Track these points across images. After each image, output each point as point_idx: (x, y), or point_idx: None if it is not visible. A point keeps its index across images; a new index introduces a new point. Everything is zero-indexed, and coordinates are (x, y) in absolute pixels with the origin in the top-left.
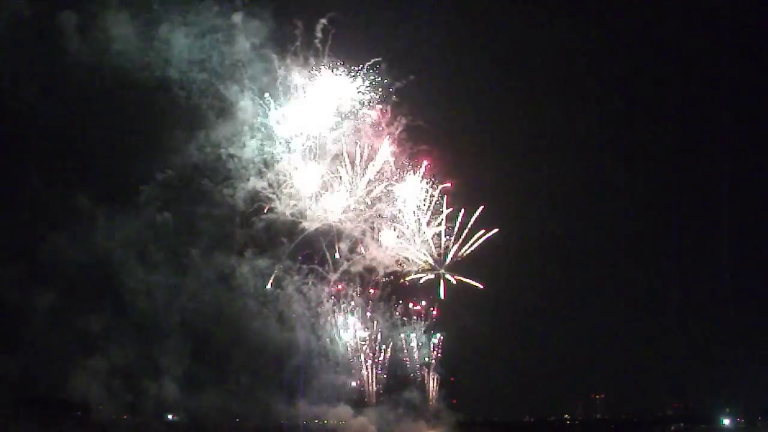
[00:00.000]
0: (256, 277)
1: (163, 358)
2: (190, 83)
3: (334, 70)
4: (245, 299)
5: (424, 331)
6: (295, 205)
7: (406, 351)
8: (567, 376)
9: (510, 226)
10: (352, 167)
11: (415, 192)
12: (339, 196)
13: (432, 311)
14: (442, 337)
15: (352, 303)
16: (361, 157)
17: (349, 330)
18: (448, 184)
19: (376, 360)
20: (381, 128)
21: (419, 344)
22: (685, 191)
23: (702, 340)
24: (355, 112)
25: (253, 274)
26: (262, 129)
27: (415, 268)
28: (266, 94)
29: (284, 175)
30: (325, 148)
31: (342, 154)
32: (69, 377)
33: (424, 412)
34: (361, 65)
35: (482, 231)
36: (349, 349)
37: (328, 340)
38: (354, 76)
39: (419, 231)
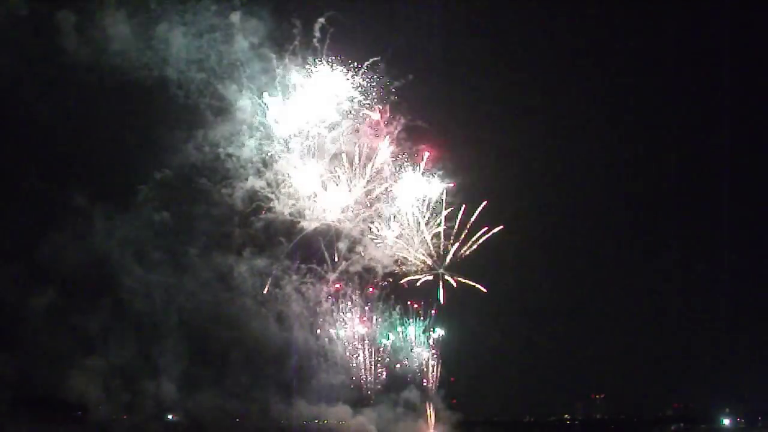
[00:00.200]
0: (254, 277)
1: (161, 358)
2: (188, 82)
3: (333, 69)
4: (244, 299)
5: (423, 331)
6: (293, 204)
7: (404, 350)
8: (567, 376)
9: (510, 225)
10: (351, 167)
11: (414, 191)
12: (338, 196)
13: (431, 312)
14: (441, 333)
15: (351, 303)
16: (360, 156)
17: (348, 329)
18: (451, 185)
19: (375, 359)
20: (380, 128)
21: (418, 344)
22: (686, 191)
23: (702, 339)
24: (354, 111)
25: (252, 273)
26: (261, 128)
27: (413, 269)
28: (265, 93)
29: (283, 175)
30: (324, 147)
31: (341, 153)
32: (67, 377)
33: (423, 411)
34: (360, 65)
35: (485, 229)
36: (347, 348)
37: (326, 339)
38: (353, 75)
39: (418, 230)
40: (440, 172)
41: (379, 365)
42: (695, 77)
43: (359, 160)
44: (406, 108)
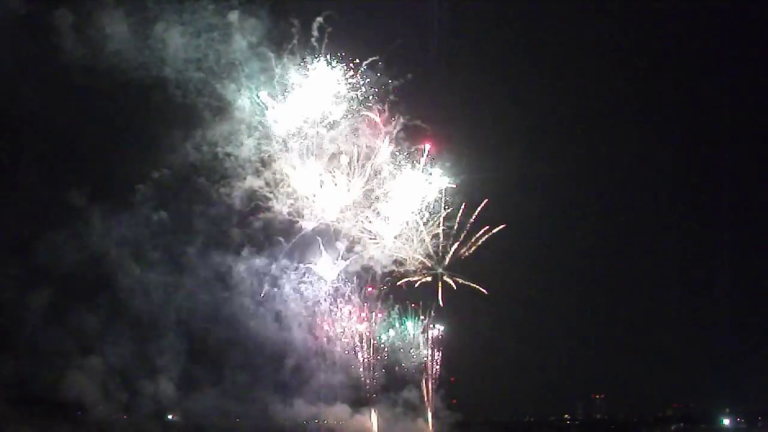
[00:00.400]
0: (253, 276)
1: (159, 358)
2: (186, 82)
3: (332, 68)
4: (242, 298)
5: (422, 332)
6: (292, 204)
7: (403, 350)
8: (567, 376)
9: (510, 225)
10: (350, 166)
11: (413, 190)
12: (336, 195)
13: (431, 312)
14: (441, 333)
15: (350, 302)
16: (359, 156)
17: (347, 329)
18: (453, 186)
19: (374, 359)
20: (379, 127)
21: (418, 343)
22: (687, 191)
23: (702, 340)
24: (353, 111)
25: (250, 273)
26: (259, 128)
27: (412, 269)
28: (263, 93)
29: (281, 174)
30: (323, 147)
31: (339, 153)
32: (65, 377)
33: (422, 411)
34: (359, 64)
35: (486, 227)
36: (346, 348)
37: (325, 339)
38: (351, 74)
39: (417, 230)
40: (440, 171)
41: (378, 365)
42: (695, 77)
43: (358, 159)
44: (405, 107)
